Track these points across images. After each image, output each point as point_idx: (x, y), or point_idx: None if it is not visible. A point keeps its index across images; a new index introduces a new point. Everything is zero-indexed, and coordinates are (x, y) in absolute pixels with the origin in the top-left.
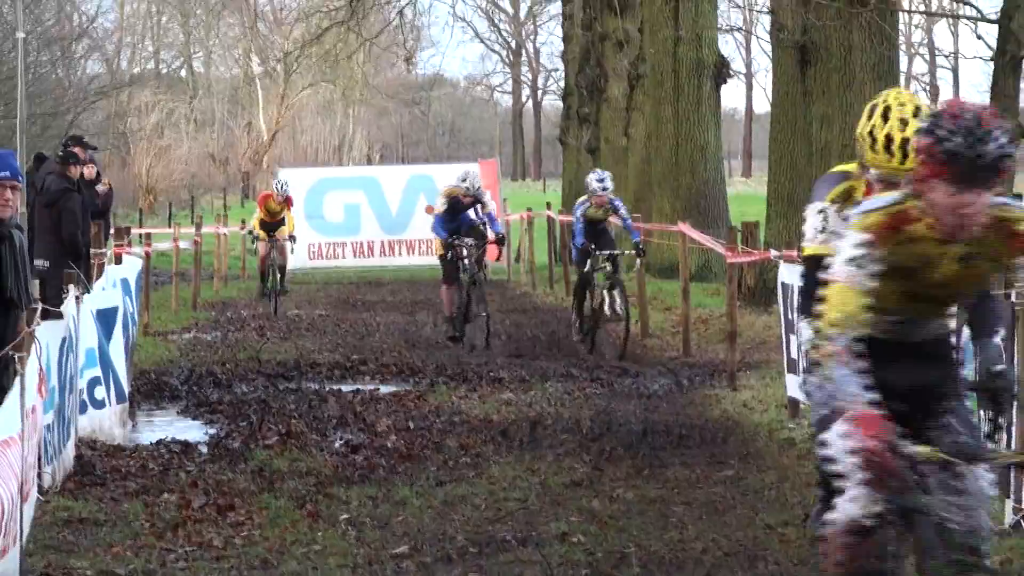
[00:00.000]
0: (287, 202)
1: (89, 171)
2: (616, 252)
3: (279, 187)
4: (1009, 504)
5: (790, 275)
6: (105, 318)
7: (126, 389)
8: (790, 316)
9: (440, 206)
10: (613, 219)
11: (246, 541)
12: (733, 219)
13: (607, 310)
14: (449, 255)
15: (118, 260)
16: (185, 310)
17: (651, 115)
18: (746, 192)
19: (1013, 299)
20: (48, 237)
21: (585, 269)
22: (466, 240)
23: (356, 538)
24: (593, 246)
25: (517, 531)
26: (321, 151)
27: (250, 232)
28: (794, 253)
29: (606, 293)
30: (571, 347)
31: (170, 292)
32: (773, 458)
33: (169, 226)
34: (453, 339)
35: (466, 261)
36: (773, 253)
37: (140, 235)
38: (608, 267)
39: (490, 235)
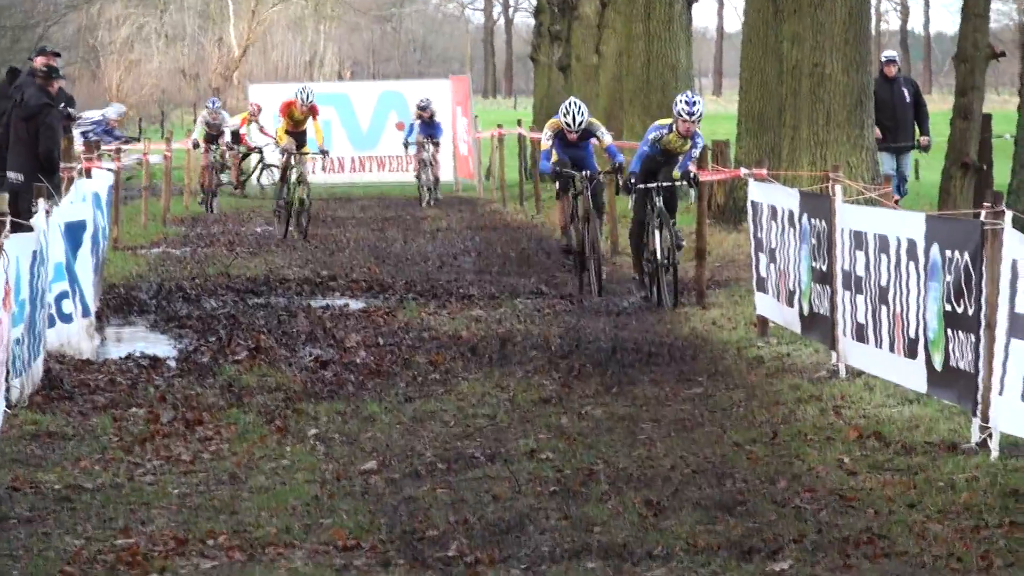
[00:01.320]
0: (312, 111)
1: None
2: (667, 184)
3: (303, 95)
4: (976, 422)
5: (760, 193)
6: (73, 232)
7: (93, 304)
8: (759, 234)
9: (547, 140)
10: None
11: (214, 456)
12: (704, 137)
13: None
14: (559, 185)
15: (88, 174)
16: (155, 225)
17: (623, 33)
18: (716, 111)
19: (982, 218)
20: (23, 151)
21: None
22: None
23: (324, 453)
24: (647, 184)
25: (486, 447)
26: (292, 67)
27: (283, 149)
28: (764, 171)
29: (657, 234)
30: (540, 264)
31: (140, 207)
32: (741, 376)
33: (139, 140)
34: (567, 251)
35: (578, 182)
36: (743, 171)
37: (110, 150)
38: (660, 202)
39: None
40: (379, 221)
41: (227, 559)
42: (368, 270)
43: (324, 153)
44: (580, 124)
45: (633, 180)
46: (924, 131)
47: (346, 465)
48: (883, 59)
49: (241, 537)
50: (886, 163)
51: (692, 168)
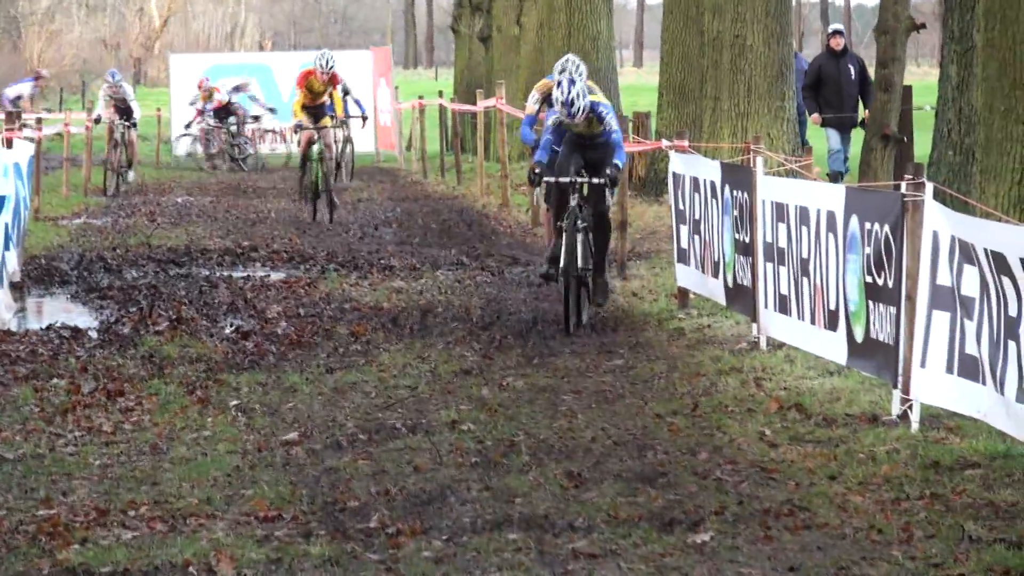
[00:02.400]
0: (333, 80)
1: None
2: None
3: (323, 62)
4: (896, 394)
5: (681, 165)
6: None
7: (7, 274)
8: (681, 206)
9: (533, 104)
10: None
11: (136, 426)
12: (625, 109)
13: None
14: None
15: (9, 144)
16: (76, 195)
17: (543, 4)
18: (637, 83)
19: (903, 190)
20: None
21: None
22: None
23: (246, 424)
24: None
25: (407, 418)
26: (213, 37)
27: (297, 126)
28: (685, 143)
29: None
30: (462, 236)
31: (61, 177)
32: (662, 348)
33: (60, 111)
34: (546, 277)
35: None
36: (664, 143)
37: (31, 120)
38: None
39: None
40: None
41: (148, 530)
42: (289, 241)
43: (365, 119)
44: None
45: (537, 171)
46: (868, 107)
47: (267, 436)
48: (829, 31)
49: (163, 508)
50: (832, 139)
51: (618, 164)
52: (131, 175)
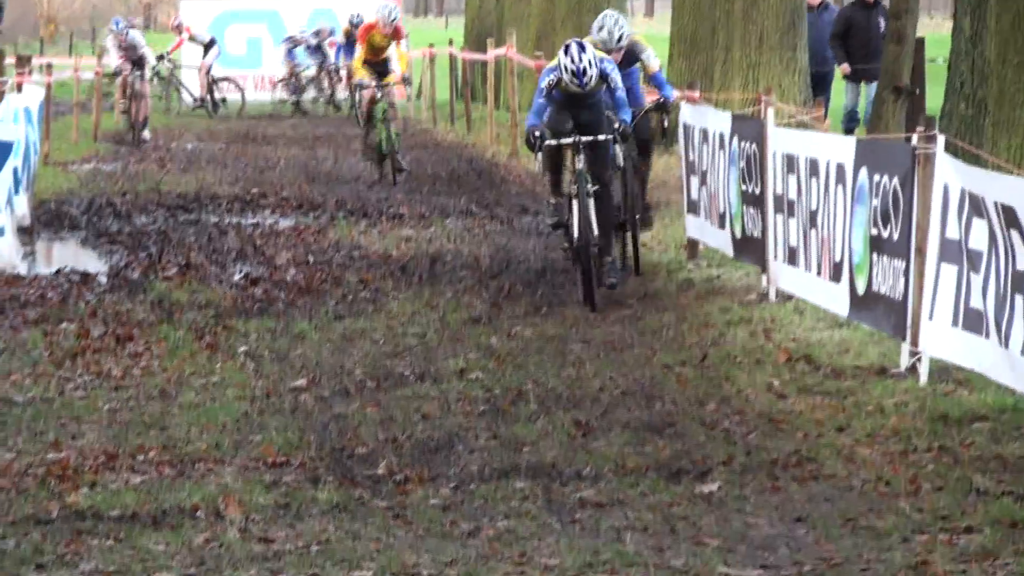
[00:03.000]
0: (396, 34)
1: None
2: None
3: (385, 14)
4: (905, 347)
5: (691, 116)
6: (2, 148)
7: (16, 219)
8: (691, 157)
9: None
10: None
11: (144, 371)
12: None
13: None
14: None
15: (19, 89)
16: (86, 141)
17: None
18: (648, 32)
19: (914, 143)
20: None
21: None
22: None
23: (254, 370)
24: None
25: (415, 366)
26: None
27: (358, 84)
28: (696, 94)
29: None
30: (471, 184)
31: (71, 123)
32: (671, 298)
33: (70, 56)
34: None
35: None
36: (676, 93)
37: (41, 65)
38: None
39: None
40: (310, 139)
41: (157, 474)
42: (299, 188)
43: (406, 82)
44: (620, 40)
45: (538, 134)
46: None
47: (276, 382)
48: None
49: (171, 452)
50: (848, 96)
51: (626, 120)
52: (146, 133)
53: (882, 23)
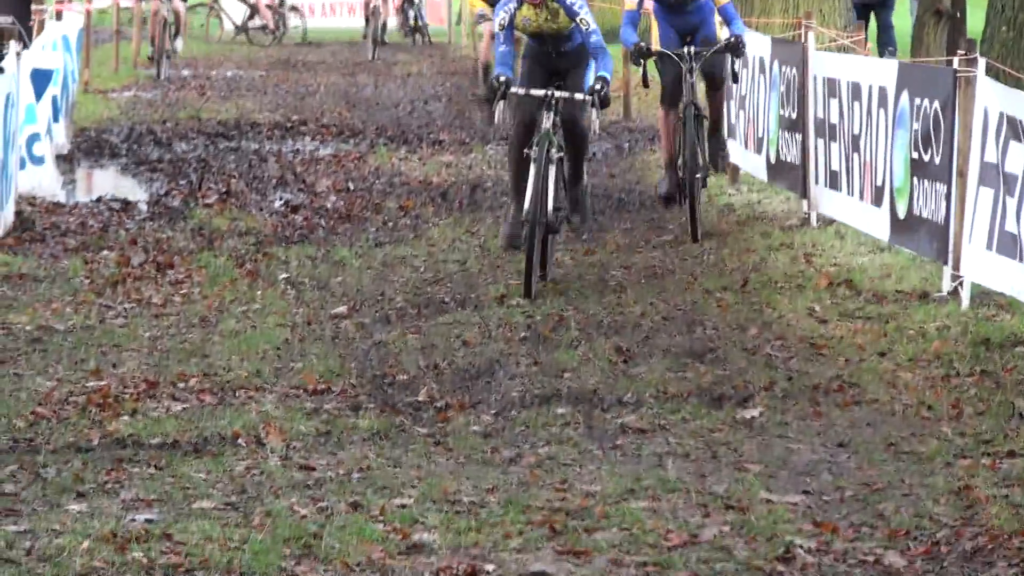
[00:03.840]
0: None
1: None
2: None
3: None
4: (947, 271)
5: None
6: (42, 76)
7: (56, 146)
8: (729, 82)
9: None
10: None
11: (185, 299)
12: None
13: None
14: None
15: (59, 17)
16: (126, 68)
17: None
18: None
19: (955, 66)
20: None
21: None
22: (554, 93)
23: (295, 298)
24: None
25: (456, 293)
26: None
27: (480, 16)
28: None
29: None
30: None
31: (111, 51)
32: (712, 224)
33: None
34: (667, 199)
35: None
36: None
37: None
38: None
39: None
40: (350, 66)
41: (198, 402)
42: (338, 115)
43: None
44: None
45: (502, 79)
46: None
47: (316, 310)
48: None
49: (212, 380)
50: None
51: (605, 77)
52: (179, 43)
53: None
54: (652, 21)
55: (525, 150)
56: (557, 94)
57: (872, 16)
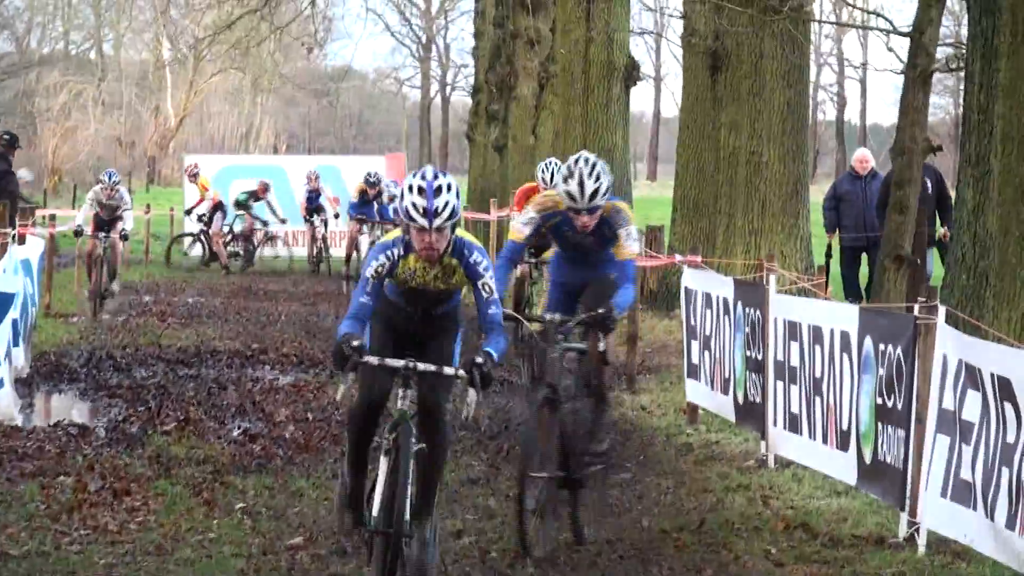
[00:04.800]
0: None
1: None
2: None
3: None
4: (903, 517)
5: (693, 280)
6: (2, 299)
7: (15, 370)
8: (692, 321)
9: (522, 227)
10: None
11: (141, 526)
12: (638, 223)
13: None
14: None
15: (22, 240)
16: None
17: (560, 115)
18: (651, 195)
19: (916, 313)
20: None
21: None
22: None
23: (251, 527)
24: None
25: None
26: (228, 138)
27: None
28: (698, 258)
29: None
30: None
31: (72, 274)
32: (670, 463)
33: (73, 207)
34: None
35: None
36: (677, 257)
37: (44, 216)
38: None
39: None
40: (311, 295)
41: None
42: (299, 344)
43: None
44: (595, 197)
45: (355, 344)
46: (944, 222)
47: (273, 540)
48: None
49: None
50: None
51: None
52: (115, 286)
53: (873, 193)
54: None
55: (376, 438)
56: (421, 367)
57: (864, 259)
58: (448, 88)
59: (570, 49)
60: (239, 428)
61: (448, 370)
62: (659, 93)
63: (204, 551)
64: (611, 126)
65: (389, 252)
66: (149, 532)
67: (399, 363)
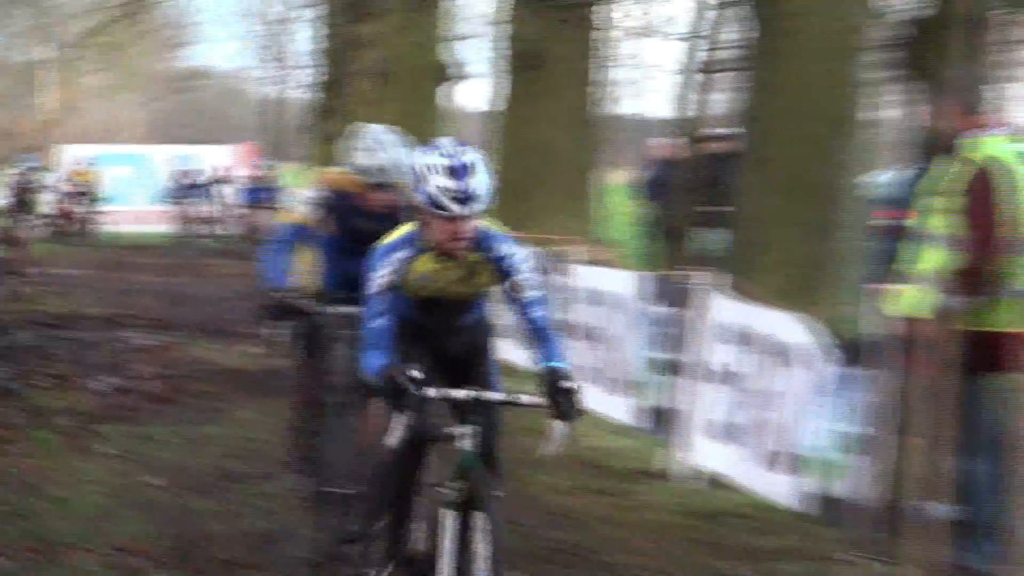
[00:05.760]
0: None
1: None
2: None
3: None
4: (677, 454)
5: None
6: None
7: None
8: None
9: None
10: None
11: (14, 467)
12: None
13: None
14: None
15: None
16: None
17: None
18: None
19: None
20: None
21: None
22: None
23: (118, 470)
24: None
25: (256, 466)
26: (96, 131)
27: None
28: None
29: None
30: None
31: None
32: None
33: None
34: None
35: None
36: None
37: None
38: None
39: None
40: (172, 267)
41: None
42: (163, 309)
43: None
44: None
45: (414, 376)
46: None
47: (136, 481)
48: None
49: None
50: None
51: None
52: None
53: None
54: None
55: (435, 488)
56: (488, 396)
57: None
58: (292, 86)
59: (401, 51)
60: (108, 383)
61: (525, 399)
62: (474, 91)
63: (72, 490)
64: (431, 119)
65: (393, 257)
66: (22, 474)
67: (462, 394)
